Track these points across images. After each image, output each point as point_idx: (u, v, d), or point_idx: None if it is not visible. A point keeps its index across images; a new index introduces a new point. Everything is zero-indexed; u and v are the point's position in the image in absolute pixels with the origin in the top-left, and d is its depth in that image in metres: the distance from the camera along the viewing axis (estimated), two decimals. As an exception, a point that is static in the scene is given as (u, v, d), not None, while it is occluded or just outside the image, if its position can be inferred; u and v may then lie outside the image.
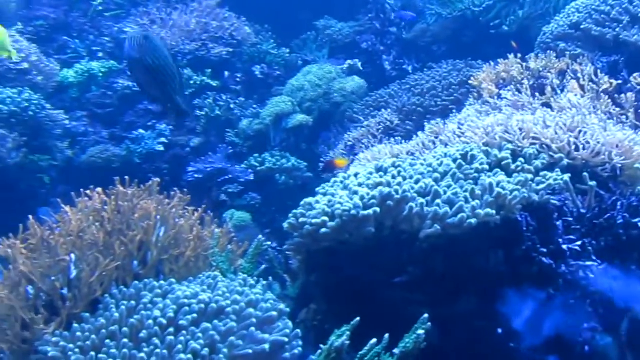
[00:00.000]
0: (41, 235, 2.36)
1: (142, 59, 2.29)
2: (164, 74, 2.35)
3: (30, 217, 2.57)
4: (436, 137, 3.47)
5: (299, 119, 5.57)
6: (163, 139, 5.41)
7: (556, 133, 3.04)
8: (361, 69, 6.29)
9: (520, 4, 5.90)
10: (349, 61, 6.24)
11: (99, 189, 2.68)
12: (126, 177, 2.78)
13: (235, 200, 5.10)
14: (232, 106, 5.82)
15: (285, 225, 2.70)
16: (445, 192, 2.58)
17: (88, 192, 2.65)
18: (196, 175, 5.17)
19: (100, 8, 6.31)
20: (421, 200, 2.53)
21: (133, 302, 2.18)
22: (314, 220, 2.52)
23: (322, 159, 5.11)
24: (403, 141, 4.27)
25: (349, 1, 7.37)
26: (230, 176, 5.18)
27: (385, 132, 4.94)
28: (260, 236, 2.78)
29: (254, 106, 5.95)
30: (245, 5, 6.69)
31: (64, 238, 2.36)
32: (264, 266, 2.78)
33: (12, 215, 4.74)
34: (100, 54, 6.05)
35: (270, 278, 2.85)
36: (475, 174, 2.75)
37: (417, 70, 6.24)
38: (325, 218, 2.50)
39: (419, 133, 3.69)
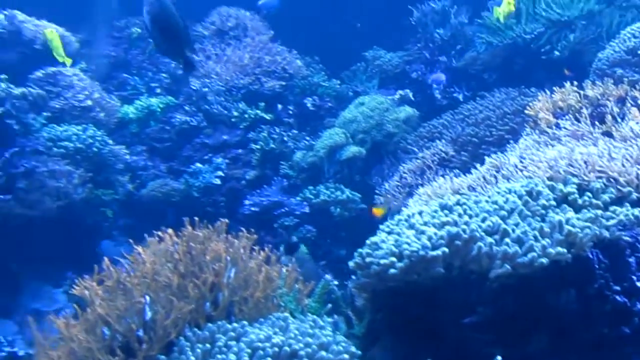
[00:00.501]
0: (117, 278, 2.44)
1: (155, 19, 2.67)
2: (174, 32, 2.70)
3: (106, 259, 2.66)
4: (497, 171, 3.44)
5: (352, 150, 5.60)
6: (220, 173, 5.52)
7: (623, 166, 2.99)
8: (412, 99, 6.31)
9: (572, 29, 5.85)
10: (400, 91, 6.27)
11: (170, 230, 2.74)
12: (195, 218, 2.83)
13: (291, 232, 5.15)
14: (285, 139, 5.90)
15: (351, 264, 2.71)
16: (513, 231, 2.55)
17: (159, 233, 2.71)
18: (253, 209, 5.24)
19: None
20: (489, 239, 2.51)
21: (208, 345, 2.22)
22: (381, 261, 2.53)
23: (377, 191, 5.12)
24: (460, 173, 4.27)
25: (396, 30, 7.44)
26: (286, 209, 5.24)
27: (440, 164, 4.93)
28: (327, 276, 2.80)
29: (307, 138, 6.02)
30: (294, 38, 6.82)
31: (138, 280, 2.43)
32: (330, 306, 2.79)
33: (78, 249, 4.93)
34: (158, 90, 6.25)
35: (336, 316, 2.85)
36: (542, 211, 2.72)
37: (468, 98, 6.22)
38: (393, 259, 2.51)
39: (479, 167, 3.67)
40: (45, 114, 5.00)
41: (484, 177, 3.45)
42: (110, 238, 5.25)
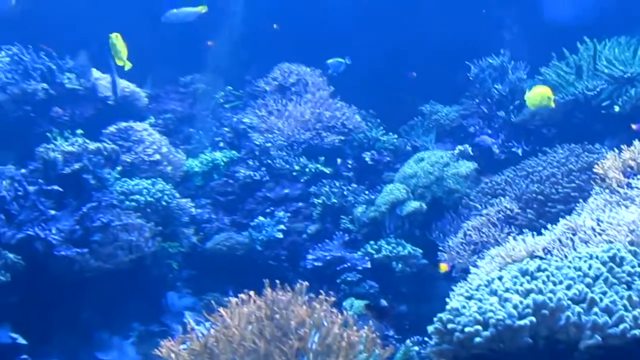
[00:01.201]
0: (205, 342, 2.49)
1: None
2: None
3: (190, 321, 2.72)
4: (573, 234, 3.41)
5: (413, 206, 5.62)
6: (282, 226, 5.60)
7: None
8: (471, 153, 6.32)
9: (633, 84, 5.82)
10: (459, 146, 6.29)
11: (252, 293, 2.79)
12: (277, 281, 2.88)
13: (353, 288, 5.15)
14: (345, 193, 5.96)
15: (431, 329, 2.71)
16: (601, 299, 2.53)
17: (243, 296, 2.76)
18: (316, 263, 5.28)
19: (221, 100, 6.74)
20: (577, 308, 2.49)
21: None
22: (465, 329, 2.53)
23: (440, 248, 5.11)
24: (528, 232, 4.24)
25: (451, 84, 7.51)
26: (348, 264, 5.26)
27: (505, 221, 4.91)
28: (408, 341, 2.80)
29: (366, 192, 6.07)
30: (351, 92, 6.94)
31: (225, 345, 2.48)
32: (410, 370, 2.78)
33: (144, 300, 5.04)
34: (221, 144, 6.42)
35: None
36: (628, 278, 2.69)
37: (528, 153, 6.21)
38: (478, 327, 2.50)
39: (552, 228, 3.65)
40: (118, 168, 5.18)
41: (559, 240, 3.43)
42: (175, 289, 5.35)
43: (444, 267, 4.70)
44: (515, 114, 6.57)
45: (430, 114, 7.11)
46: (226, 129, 6.56)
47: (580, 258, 2.90)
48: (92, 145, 5.09)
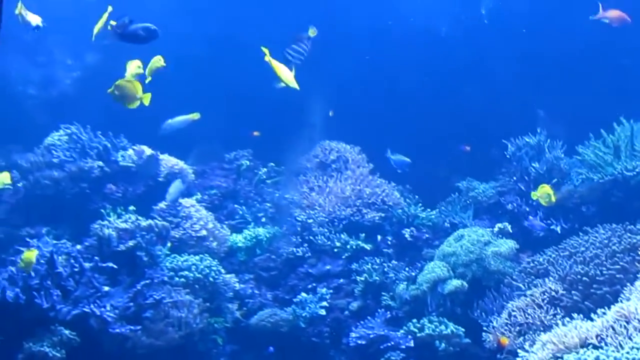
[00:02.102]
0: None
1: None
2: None
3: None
4: (627, 322, 3.44)
5: (454, 284, 5.66)
6: (324, 303, 5.66)
7: None
8: (510, 231, 6.37)
9: (673, 161, 5.91)
10: (499, 224, 6.35)
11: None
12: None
13: (399, 367, 5.15)
14: (386, 269, 6.03)
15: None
16: (664, 395, 2.55)
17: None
18: (359, 342, 5.30)
19: (264, 176, 6.95)
20: (641, 404, 2.52)
21: None
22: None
23: (483, 328, 5.11)
24: (576, 315, 4.25)
25: (486, 161, 7.65)
26: (391, 343, 5.27)
27: (550, 302, 4.91)
28: None
29: (406, 269, 6.12)
30: (388, 169, 7.11)
31: None
32: None
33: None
34: (263, 219, 6.58)
35: None
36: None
37: (567, 231, 6.25)
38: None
39: (604, 315, 3.68)
40: (168, 244, 5.34)
41: (612, 328, 3.46)
42: (219, 365, 5.40)
43: (504, 341, 4.67)
44: (553, 193, 6.65)
45: (467, 191, 7.22)
46: (268, 204, 6.73)
47: (638, 349, 2.93)
48: (144, 222, 5.27)
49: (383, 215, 6.57)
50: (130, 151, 6.10)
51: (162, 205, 5.80)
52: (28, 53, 7.18)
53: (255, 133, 6.94)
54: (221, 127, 7.87)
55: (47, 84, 7.18)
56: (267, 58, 4.72)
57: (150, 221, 5.33)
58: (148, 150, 6.14)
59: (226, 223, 6.39)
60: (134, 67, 4.71)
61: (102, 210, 5.55)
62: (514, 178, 7.02)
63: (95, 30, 4.69)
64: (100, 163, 5.83)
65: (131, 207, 5.58)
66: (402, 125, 7.54)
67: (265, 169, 7.01)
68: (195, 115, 5.97)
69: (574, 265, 5.18)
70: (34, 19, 4.89)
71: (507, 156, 7.07)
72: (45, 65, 7.27)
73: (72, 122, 6.38)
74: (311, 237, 6.21)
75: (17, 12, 4.92)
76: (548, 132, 7.06)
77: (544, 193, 6.15)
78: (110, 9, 4.63)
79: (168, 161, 6.21)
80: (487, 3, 7.33)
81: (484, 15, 7.37)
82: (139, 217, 5.37)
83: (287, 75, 4.67)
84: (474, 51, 7.80)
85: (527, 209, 6.81)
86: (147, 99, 4.69)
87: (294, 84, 4.69)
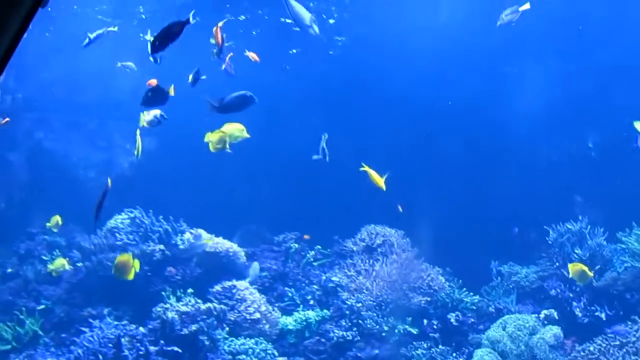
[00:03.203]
0: None
1: None
2: None
3: None
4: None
5: (504, 372, 5.73)
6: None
7: None
8: (556, 317, 6.46)
9: None
10: (544, 311, 6.45)
11: None
12: None
13: None
14: (433, 355, 6.12)
15: None
16: None
17: None
18: None
19: (311, 259, 7.16)
20: None
21: None
22: None
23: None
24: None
25: (526, 245, 7.81)
26: None
27: (604, 395, 4.97)
28: None
29: (453, 354, 6.20)
30: (429, 252, 7.29)
31: None
32: None
33: None
34: (311, 302, 6.74)
35: None
36: None
37: (611, 317, 6.33)
38: None
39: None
40: (225, 328, 5.52)
41: None
42: None
43: None
44: (596, 279, 6.75)
45: (510, 275, 7.34)
46: (315, 287, 6.90)
47: None
48: (204, 306, 5.48)
49: (429, 299, 6.70)
50: (187, 234, 6.38)
51: (218, 287, 6.01)
52: (90, 138, 7.63)
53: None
54: (264, 208, 8.19)
55: (106, 167, 7.57)
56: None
57: (209, 304, 5.53)
58: (204, 234, 6.41)
59: (276, 305, 6.55)
60: (232, 129, 5.00)
61: (163, 293, 5.77)
62: (557, 264, 7.14)
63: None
64: (162, 246, 6.10)
65: (190, 290, 5.80)
66: (440, 212, 7.77)
67: (312, 252, 7.22)
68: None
69: (626, 356, 5.24)
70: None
71: (549, 242, 7.22)
72: (105, 149, 7.69)
73: (128, 203, 6.70)
74: (360, 321, 6.34)
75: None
76: (587, 218, 7.24)
77: (578, 270, 6.21)
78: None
79: (222, 244, 6.47)
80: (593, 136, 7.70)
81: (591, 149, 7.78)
82: (198, 300, 5.58)
83: (377, 179, 5.06)
84: (514, 139, 8.09)
85: (571, 295, 6.90)
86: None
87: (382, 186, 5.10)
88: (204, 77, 5.04)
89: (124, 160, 7.68)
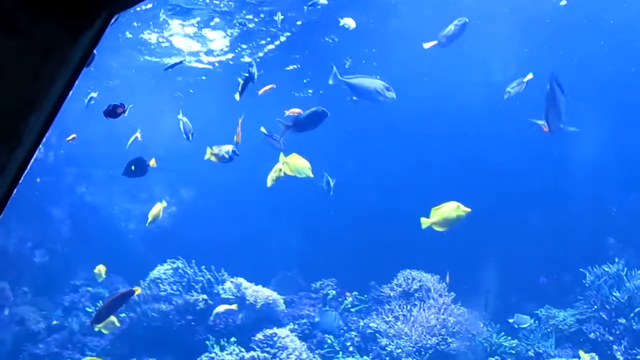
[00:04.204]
0: None
1: None
2: None
3: None
4: None
5: (549, 417, 5.69)
6: None
7: None
8: (598, 362, 6.42)
9: None
10: (585, 355, 6.41)
11: None
12: None
13: None
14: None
15: None
16: None
17: None
18: None
19: (349, 305, 7.23)
20: None
21: None
22: None
23: None
24: None
25: (561, 288, 7.81)
26: None
27: None
28: None
29: (497, 400, 6.18)
30: (468, 293, 7.32)
31: None
32: None
33: None
34: (350, 348, 6.78)
35: None
36: None
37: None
38: None
39: None
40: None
41: None
42: None
43: None
44: (637, 322, 6.72)
45: (547, 319, 7.32)
46: (354, 333, 6.95)
47: None
48: (247, 354, 5.56)
49: (468, 344, 6.71)
50: (228, 284, 6.50)
51: (260, 335, 6.10)
52: (130, 191, 7.86)
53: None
54: (299, 255, 8.32)
55: (146, 219, 7.78)
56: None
57: (252, 352, 5.61)
58: (245, 283, 6.54)
59: (317, 352, 6.60)
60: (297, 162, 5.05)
61: (207, 342, 5.86)
62: (595, 306, 7.12)
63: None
64: (205, 296, 6.23)
65: (232, 339, 5.89)
66: (479, 252, 7.83)
67: (350, 298, 7.29)
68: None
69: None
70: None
71: (586, 284, 7.21)
72: (145, 201, 7.91)
73: (167, 253, 6.87)
74: (401, 368, 6.37)
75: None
76: (623, 260, 7.24)
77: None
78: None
79: (262, 292, 6.57)
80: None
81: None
82: (242, 349, 5.66)
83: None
84: (548, 180, 8.19)
85: (611, 338, 6.87)
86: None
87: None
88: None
89: (164, 211, 7.88)
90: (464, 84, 8.15)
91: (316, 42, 7.96)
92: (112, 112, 5.08)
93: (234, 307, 6.21)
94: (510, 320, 6.90)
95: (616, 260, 7.17)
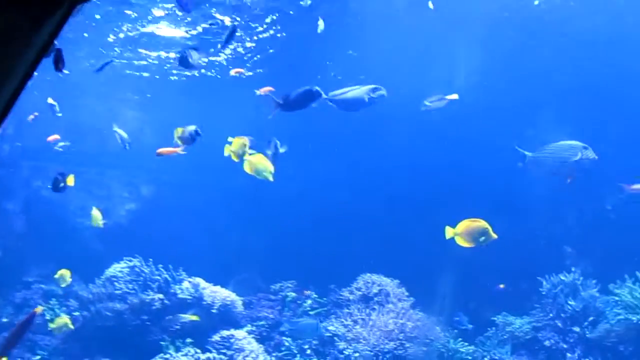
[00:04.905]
0: None
1: None
2: None
3: None
4: None
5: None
6: None
7: None
8: (552, 369, 6.51)
9: None
10: (539, 363, 6.50)
11: None
12: None
13: None
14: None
15: None
16: None
17: None
18: None
19: (308, 308, 7.18)
20: None
21: None
22: None
23: None
24: None
25: (518, 295, 7.90)
26: None
27: None
28: None
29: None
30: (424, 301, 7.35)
31: None
32: None
33: None
34: (308, 351, 6.72)
35: None
36: None
37: (606, 370, 6.39)
38: None
39: None
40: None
41: None
42: None
43: None
44: (590, 330, 6.83)
45: (504, 326, 7.39)
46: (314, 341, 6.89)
47: None
48: (203, 356, 5.46)
49: (425, 349, 6.72)
50: (186, 283, 6.39)
51: (216, 337, 6.00)
52: (88, 187, 7.68)
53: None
54: (259, 256, 8.23)
55: (103, 216, 7.60)
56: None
57: (208, 354, 5.52)
58: (203, 283, 6.43)
59: (274, 355, 6.53)
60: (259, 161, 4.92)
61: (162, 343, 5.75)
62: (551, 314, 7.21)
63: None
64: (161, 296, 6.10)
65: (188, 340, 5.79)
66: (436, 259, 7.86)
67: (309, 301, 7.25)
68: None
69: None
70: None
71: (543, 292, 7.30)
72: (103, 198, 7.74)
73: (125, 251, 6.72)
74: (360, 372, 6.34)
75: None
76: (579, 269, 7.36)
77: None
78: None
79: (220, 293, 6.48)
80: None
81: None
82: (197, 350, 5.56)
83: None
84: (507, 189, 8.27)
85: (565, 346, 6.96)
86: None
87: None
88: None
89: (122, 208, 7.72)
90: (426, 89, 8.20)
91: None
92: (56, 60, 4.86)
93: (195, 317, 6.08)
94: (456, 319, 6.94)
95: (573, 269, 7.27)
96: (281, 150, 5.07)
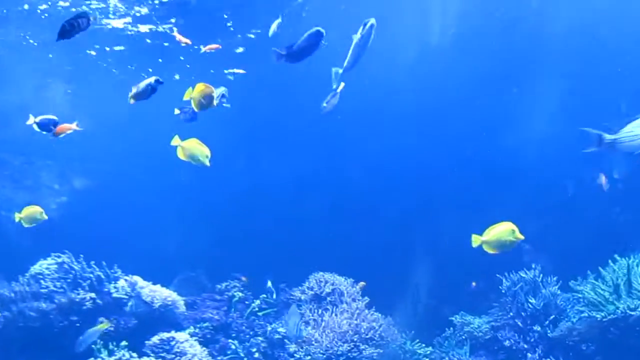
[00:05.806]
0: None
1: None
2: None
3: None
4: None
5: None
6: None
7: None
8: (512, 370, 6.20)
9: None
10: (501, 364, 6.20)
11: None
12: None
13: None
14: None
15: None
16: None
17: None
18: None
19: (256, 309, 6.68)
20: None
21: None
22: None
23: None
24: None
25: (476, 294, 7.64)
26: None
27: None
28: None
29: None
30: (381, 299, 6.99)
31: None
32: None
33: None
34: (256, 354, 6.23)
35: None
36: None
37: (567, 370, 6.13)
38: None
39: None
40: (163, 385, 4.96)
41: None
42: None
43: None
44: (551, 329, 6.58)
45: (462, 326, 7.07)
46: (260, 338, 6.42)
47: None
48: (138, 360, 4.91)
49: (381, 351, 6.33)
50: (122, 282, 5.81)
51: (155, 339, 5.45)
52: (14, 177, 7.00)
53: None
54: (204, 254, 7.70)
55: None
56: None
57: (145, 358, 4.98)
58: (141, 281, 5.87)
59: (219, 359, 6.01)
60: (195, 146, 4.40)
61: (94, 346, 5.16)
62: (510, 313, 6.93)
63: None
64: (93, 295, 5.51)
65: (123, 342, 5.22)
66: (393, 257, 7.53)
67: (257, 301, 6.76)
68: (105, 325, 5.35)
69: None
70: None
71: (502, 290, 7.02)
72: (31, 189, 7.06)
73: (55, 247, 6.10)
74: (310, 376, 5.89)
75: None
76: (539, 266, 7.12)
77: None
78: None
79: (160, 292, 5.93)
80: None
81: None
82: (132, 354, 5.01)
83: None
84: (465, 185, 8.01)
85: (526, 346, 6.69)
86: None
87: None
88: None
89: (52, 200, 7.06)
90: (394, 83, 7.88)
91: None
92: None
93: (105, 326, 5.41)
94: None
95: (533, 266, 7.01)
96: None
